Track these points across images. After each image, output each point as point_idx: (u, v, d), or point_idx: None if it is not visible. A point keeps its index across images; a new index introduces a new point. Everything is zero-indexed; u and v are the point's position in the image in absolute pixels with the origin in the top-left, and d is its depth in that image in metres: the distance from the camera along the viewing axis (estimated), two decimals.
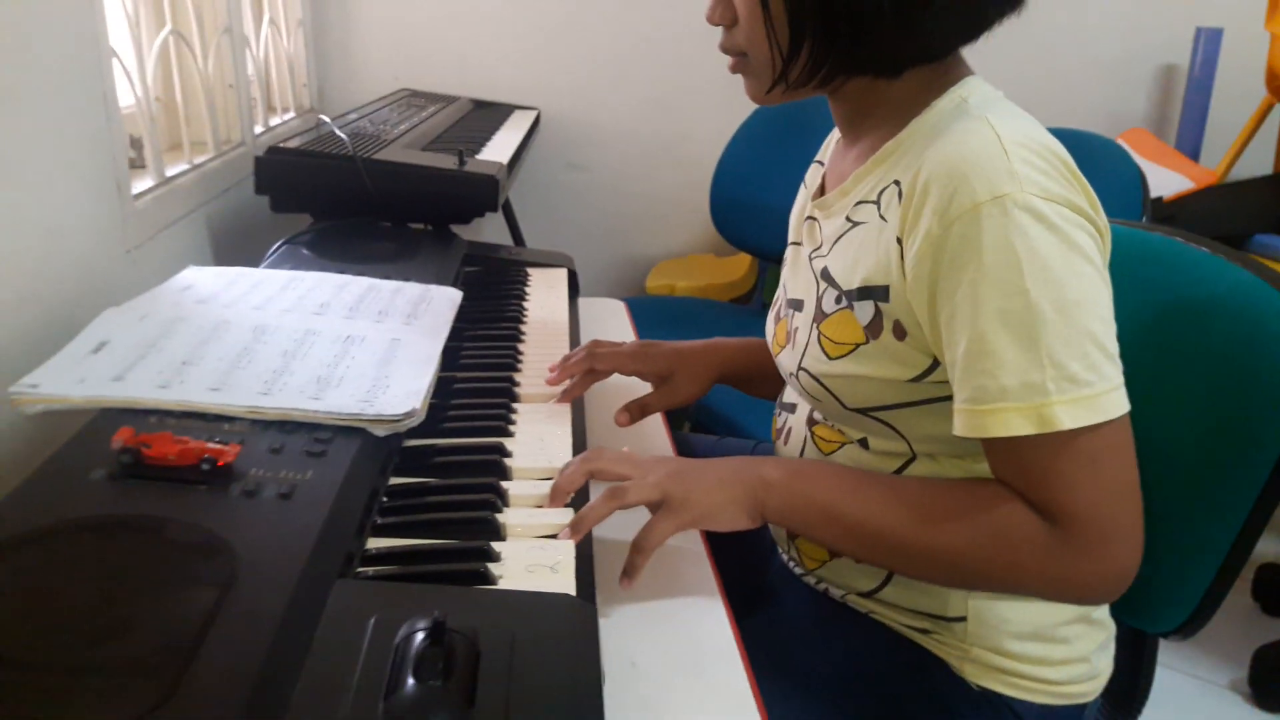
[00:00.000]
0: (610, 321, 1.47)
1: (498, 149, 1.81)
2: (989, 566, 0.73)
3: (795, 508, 0.79)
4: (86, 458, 0.74)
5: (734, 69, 0.85)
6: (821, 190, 0.93)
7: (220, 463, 0.73)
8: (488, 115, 2.24)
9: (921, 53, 0.79)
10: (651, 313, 2.09)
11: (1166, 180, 2.25)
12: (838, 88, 0.83)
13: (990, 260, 0.69)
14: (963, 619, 0.82)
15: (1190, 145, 2.48)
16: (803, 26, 0.76)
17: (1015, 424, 0.69)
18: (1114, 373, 0.70)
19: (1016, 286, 0.68)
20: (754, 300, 2.53)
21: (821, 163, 0.98)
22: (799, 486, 0.79)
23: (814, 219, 0.91)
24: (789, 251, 0.98)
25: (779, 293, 0.99)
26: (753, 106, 2.19)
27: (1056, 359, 0.68)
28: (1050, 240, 0.69)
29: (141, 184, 1.36)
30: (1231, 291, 0.84)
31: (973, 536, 0.73)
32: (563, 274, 1.50)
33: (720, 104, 2.38)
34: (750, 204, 2.19)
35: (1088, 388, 0.68)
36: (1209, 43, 2.45)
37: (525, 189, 2.54)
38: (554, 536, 0.77)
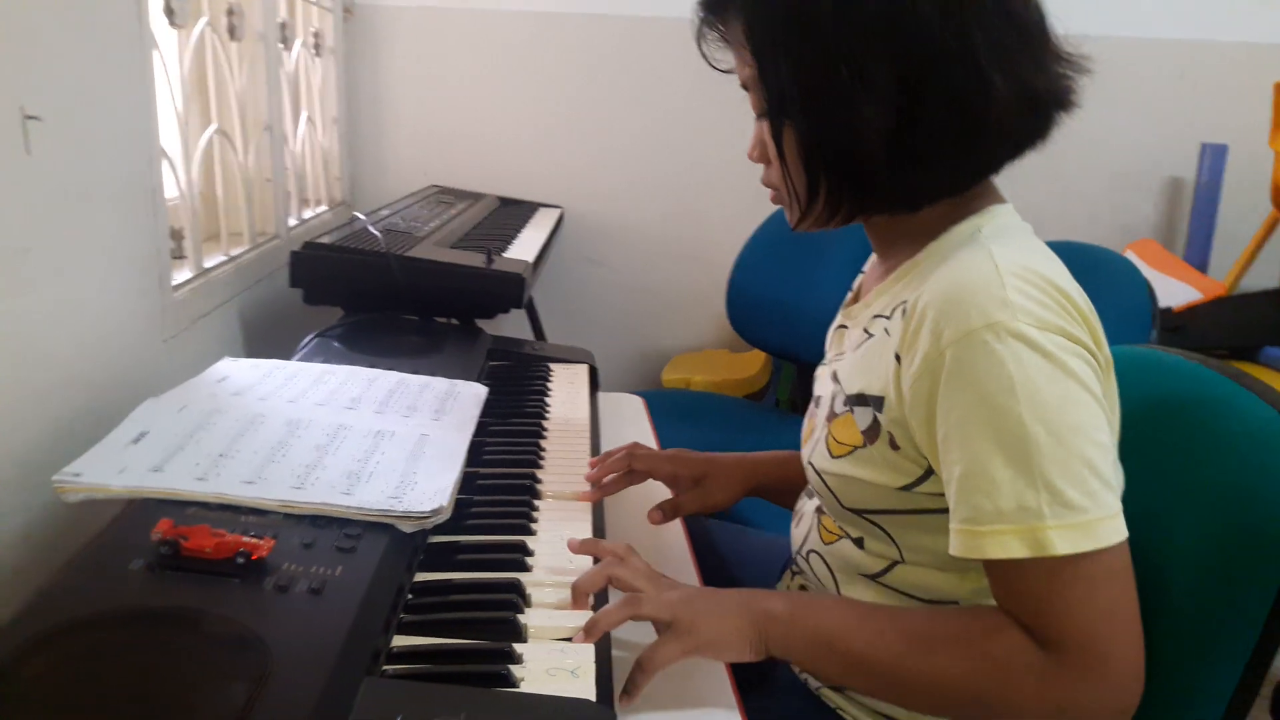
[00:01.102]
0: (629, 417, 1.49)
1: (523, 247, 1.86)
2: (989, 696, 0.73)
3: (798, 641, 0.79)
4: (126, 547, 0.76)
5: (773, 200, 0.90)
6: (855, 299, 0.97)
7: (255, 556, 0.75)
8: (513, 213, 2.31)
9: (927, 196, 0.83)
10: (668, 406, 2.12)
11: (1175, 291, 2.29)
12: (865, 220, 0.88)
13: (984, 385, 0.71)
14: None
15: (1198, 256, 2.53)
16: (816, 174, 0.82)
17: (1011, 546, 0.70)
18: (1110, 499, 0.71)
19: (1010, 411, 0.70)
20: (767, 397, 2.56)
21: (864, 272, 1.02)
22: (801, 619, 0.79)
23: (844, 327, 0.95)
24: (826, 357, 1.02)
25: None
26: (769, 208, 2.26)
27: (1051, 484, 0.69)
28: (1043, 366, 0.71)
29: (180, 275, 1.41)
30: (1241, 418, 0.85)
31: (971, 666, 0.73)
32: (584, 370, 1.53)
33: (738, 204, 2.45)
34: (766, 302, 2.24)
35: (1082, 514, 0.69)
36: (1214, 157, 2.52)
37: (546, 282, 2.60)
38: (571, 639, 0.78)
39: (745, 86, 0.86)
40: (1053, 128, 0.81)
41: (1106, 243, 1.80)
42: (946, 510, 0.76)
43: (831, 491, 0.88)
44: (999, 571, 0.74)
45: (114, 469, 0.86)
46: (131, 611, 0.69)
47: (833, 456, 0.87)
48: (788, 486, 1.13)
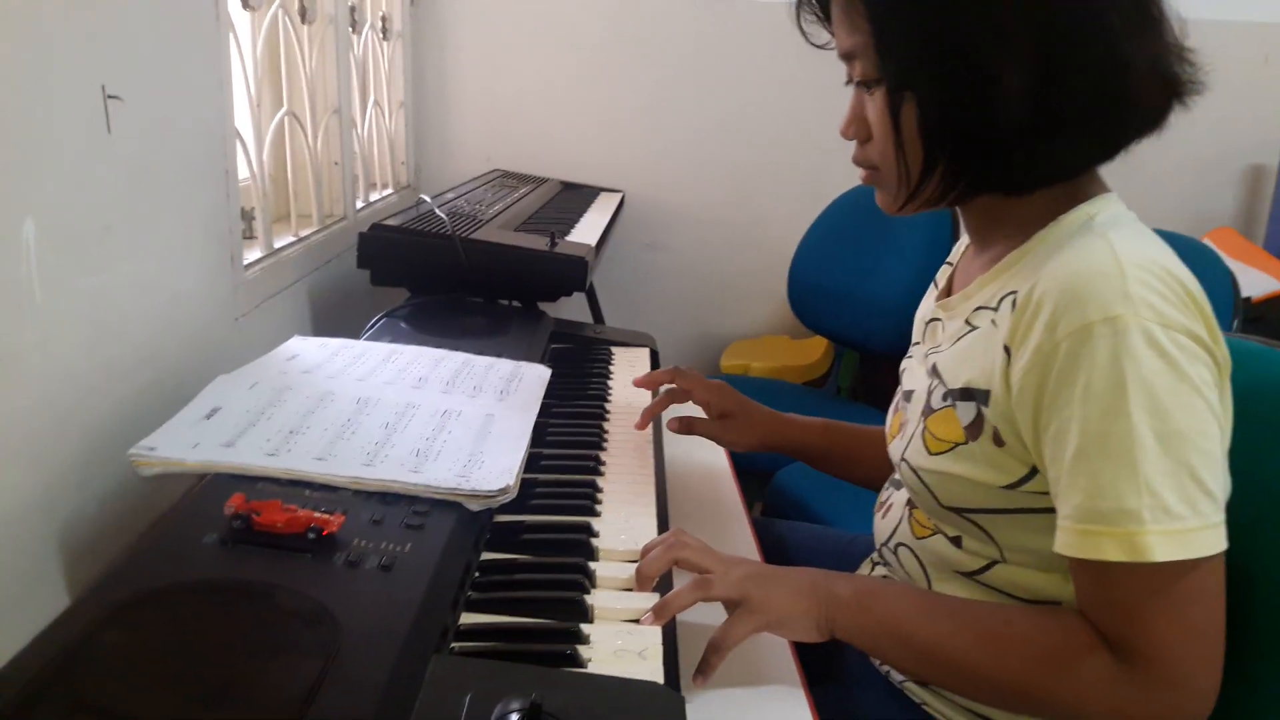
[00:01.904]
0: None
1: (586, 231, 1.86)
2: (1053, 697, 0.72)
3: (864, 627, 0.79)
4: (199, 521, 0.78)
5: (866, 181, 0.87)
6: (948, 293, 0.94)
7: (325, 532, 0.76)
8: (575, 197, 2.31)
9: (1053, 175, 0.79)
10: None
11: (1255, 280, 2.21)
12: (969, 202, 0.85)
13: (1096, 381, 0.69)
14: None
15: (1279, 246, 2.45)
16: (936, 149, 0.78)
17: (1107, 549, 0.68)
18: (1211, 510, 0.68)
19: (1120, 410, 0.68)
20: (828, 384, 2.53)
21: (951, 264, 1.00)
22: (869, 606, 0.79)
23: (938, 320, 0.92)
24: (912, 350, 1.00)
25: (899, 388, 1.00)
26: (832, 193, 2.24)
27: (1154, 488, 0.67)
28: (1160, 367, 0.68)
29: (251, 255, 1.43)
30: None
31: (1041, 667, 0.72)
32: (645, 353, 1.53)
33: (800, 190, 2.43)
34: (828, 289, 2.21)
35: (1180, 521, 0.67)
36: None
37: (605, 267, 2.60)
38: (638, 620, 0.78)
39: (848, 57, 0.82)
40: (1172, 112, 0.78)
41: (1184, 231, 1.75)
42: (1052, 510, 0.74)
43: (929, 489, 0.85)
44: (1089, 573, 0.72)
45: (188, 444, 0.87)
46: (205, 584, 0.71)
47: (930, 453, 0.84)
48: (832, 454, 1.15)
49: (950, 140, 0.77)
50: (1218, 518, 0.69)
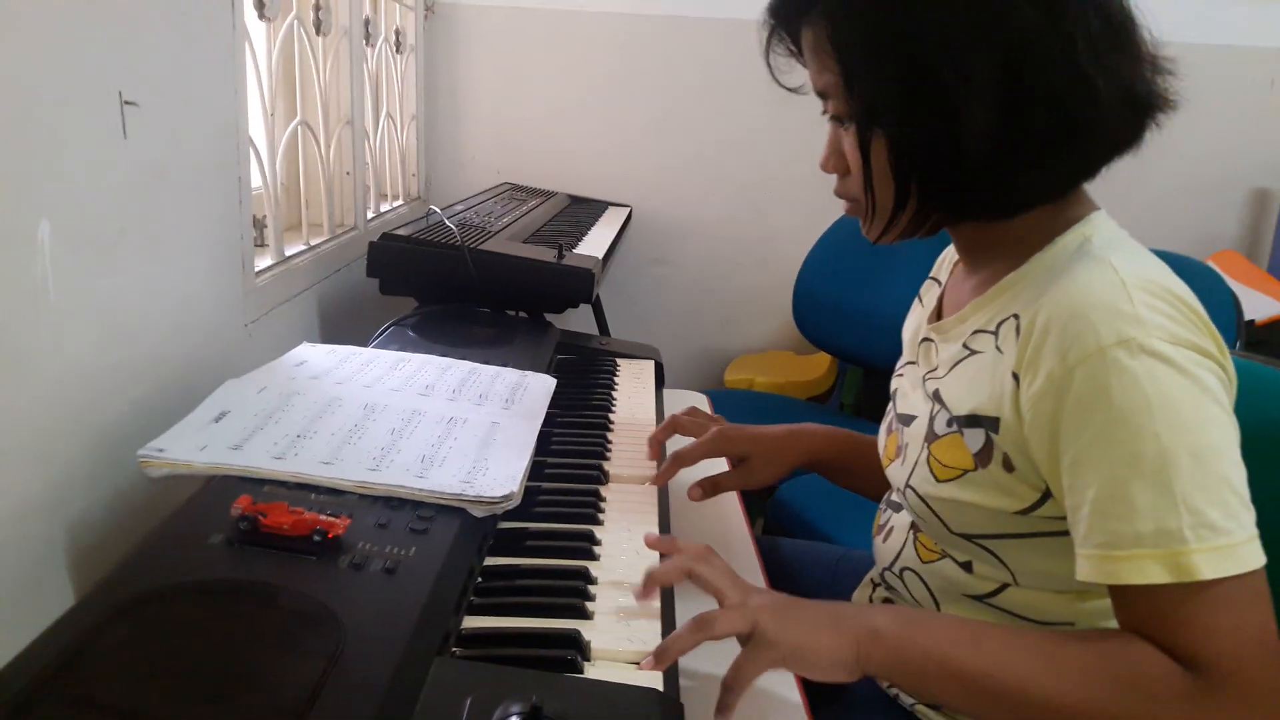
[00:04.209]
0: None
1: (593, 244, 1.87)
2: (1127, 716, 0.68)
3: (907, 661, 0.72)
4: (205, 522, 0.78)
5: (849, 212, 0.87)
6: (939, 314, 0.94)
7: (330, 535, 0.76)
8: (583, 211, 2.33)
9: (1030, 200, 0.80)
10: (731, 406, 2.09)
11: (1259, 304, 2.21)
12: (953, 228, 0.85)
13: (1120, 405, 0.68)
14: None
15: None
16: (906, 182, 0.78)
17: (1151, 571, 0.67)
18: (1250, 521, 0.68)
19: (1149, 431, 0.67)
20: (832, 400, 2.54)
21: (937, 280, 0.99)
22: (912, 637, 0.73)
23: (930, 340, 0.92)
24: (903, 368, 0.99)
25: (890, 406, 1.00)
26: (838, 209, 2.23)
27: (1193, 505, 0.66)
28: (1181, 384, 0.68)
29: (262, 262, 1.44)
30: None
31: (1109, 689, 0.68)
32: (650, 365, 1.54)
33: (806, 207, 2.43)
34: (833, 305, 2.22)
35: (1226, 536, 0.66)
36: None
37: (612, 280, 2.61)
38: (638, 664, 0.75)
39: (823, 95, 0.83)
40: (1146, 131, 0.78)
41: (1188, 253, 1.76)
42: (1065, 533, 0.73)
43: (938, 516, 0.84)
44: (1133, 596, 0.69)
45: (195, 446, 0.88)
46: (209, 584, 0.71)
47: (939, 480, 0.83)
48: (843, 464, 1.12)
49: (918, 174, 0.78)
50: (1255, 530, 0.68)
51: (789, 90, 0.89)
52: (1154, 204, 2.48)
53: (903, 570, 0.93)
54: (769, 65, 0.87)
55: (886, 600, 0.97)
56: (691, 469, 1.08)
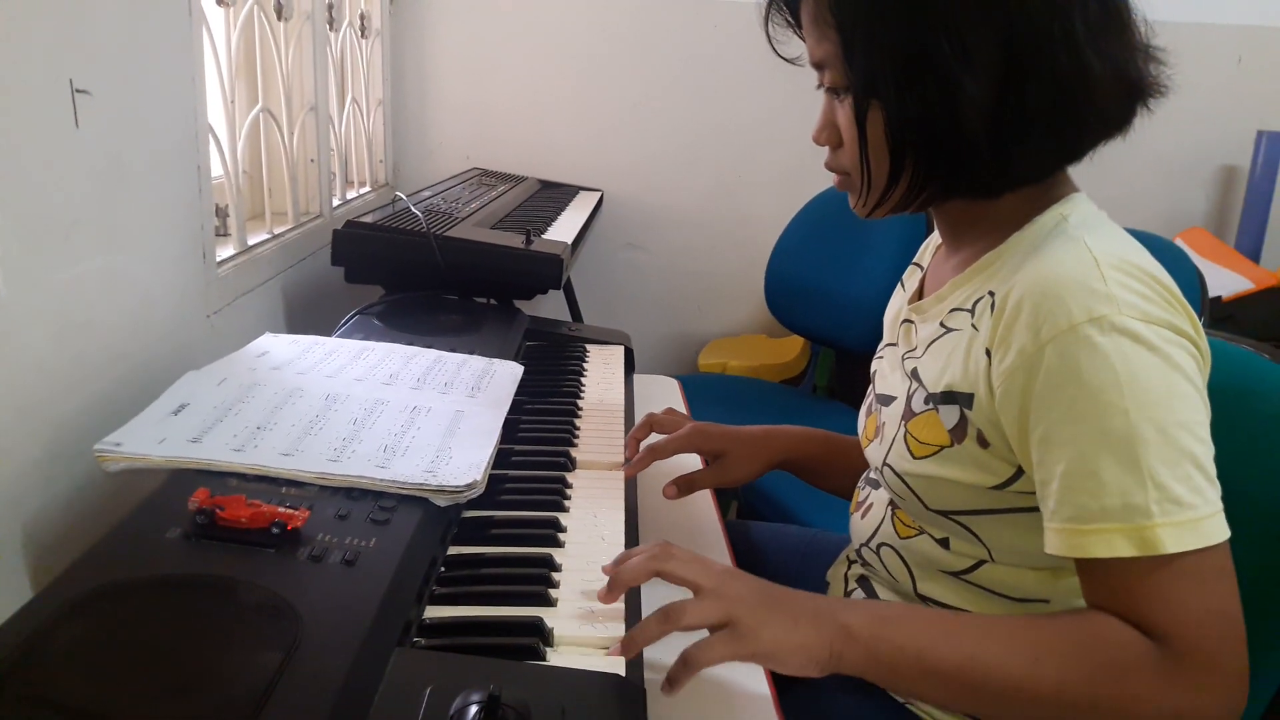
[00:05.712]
0: (663, 399, 1.49)
1: (563, 229, 1.86)
2: (1105, 704, 0.68)
3: (881, 657, 0.72)
4: (163, 516, 0.77)
5: (839, 186, 0.87)
6: (920, 296, 0.95)
7: (289, 527, 0.76)
8: (554, 196, 2.31)
9: (1019, 179, 0.80)
10: (704, 390, 2.11)
11: (1225, 280, 2.24)
12: (940, 205, 0.86)
13: (1090, 381, 0.69)
14: None
15: (1250, 246, 2.47)
16: (901, 155, 0.79)
17: (1118, 545, 0.68)
18: (1215, 497, 0.69)
19: (1117, 407, 0.68)
20: (804, 382, 2.54)
21: (920, 266, 1.00)
22: (886, 634, 0.72)
23: (910, 322, 0.93)
24: (883, 350, 1.00)
25: (870, 388, 1.00)
26: (810, 192, 2.25)
27: (1159, 480, 0.67)
28: (1151, 361, 0.69)
29: (225, 252, 1.43)
30: None
31: (1080, 667, 0.69)
32: (619, 351, 1.53)
33: (778, 188, 2.44)
34: (805, 287, 2.22)
35: (1191, 510, 0.67)
36: (1270, 145, 2.45)
37: (584, 265, 2.60)
38: (604, 614, 0.78)
39: (819, 65, 0.83)
40: (1135, 116, 0.79)
41: (1156, 231, 1.77)
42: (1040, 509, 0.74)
43: (914, 493, 0.85)
44: (1100, 570, 0.71)
45: (154, 439, 0.87)
46: (166, 579, 0.70)
47: (915, 457, 0.84)
48: (818, 465, 1.12)
49: (914, 147, 0.78)
50: (1220, 505, 0.69)
51: (785, 60, 0.89)
52: (1123, 182, 2.48)
53: (880, 546, 0.93)
54: (767, 35, 0.87)
55: (862, 578, 0.98)
56: (665, 461, 1.08)
